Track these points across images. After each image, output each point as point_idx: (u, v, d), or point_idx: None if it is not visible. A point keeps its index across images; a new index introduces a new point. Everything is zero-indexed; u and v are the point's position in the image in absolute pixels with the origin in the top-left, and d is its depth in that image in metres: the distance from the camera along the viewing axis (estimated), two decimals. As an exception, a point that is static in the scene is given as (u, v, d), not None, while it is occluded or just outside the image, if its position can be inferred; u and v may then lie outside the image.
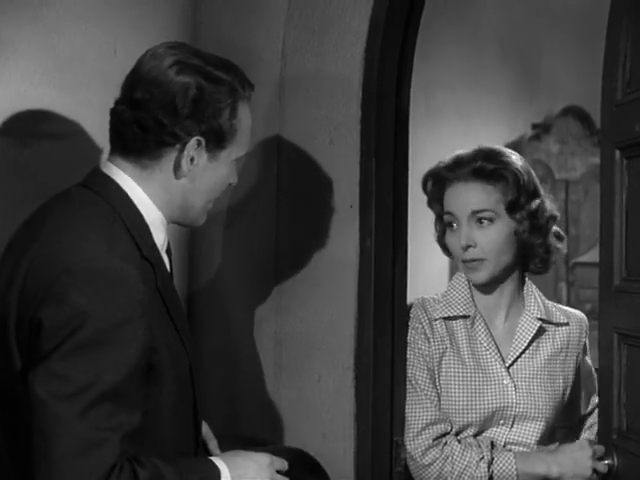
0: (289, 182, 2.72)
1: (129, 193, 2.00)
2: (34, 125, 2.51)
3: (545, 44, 5.52)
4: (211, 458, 2.01)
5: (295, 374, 2.68)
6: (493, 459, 2.45)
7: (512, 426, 2.54)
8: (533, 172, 2.61)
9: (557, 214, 2.64)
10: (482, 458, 2.45)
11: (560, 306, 2.73)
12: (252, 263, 2.78)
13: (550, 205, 2.61)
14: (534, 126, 5.51)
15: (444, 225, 2.60)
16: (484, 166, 2.52)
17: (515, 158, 2.58)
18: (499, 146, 2.64)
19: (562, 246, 2.66)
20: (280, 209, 2.72)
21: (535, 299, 2.63)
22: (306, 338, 2.66)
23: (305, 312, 2.66)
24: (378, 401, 2.55)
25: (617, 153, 2.39)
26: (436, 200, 2.60)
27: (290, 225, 2.71)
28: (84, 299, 1.81)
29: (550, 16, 5.53)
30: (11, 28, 2.48)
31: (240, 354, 2.80)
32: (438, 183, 2.59)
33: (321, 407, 2.64)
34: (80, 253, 1.86)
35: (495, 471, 2.45)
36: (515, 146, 2.73)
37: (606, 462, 2.40)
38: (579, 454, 2.46)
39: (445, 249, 2.66)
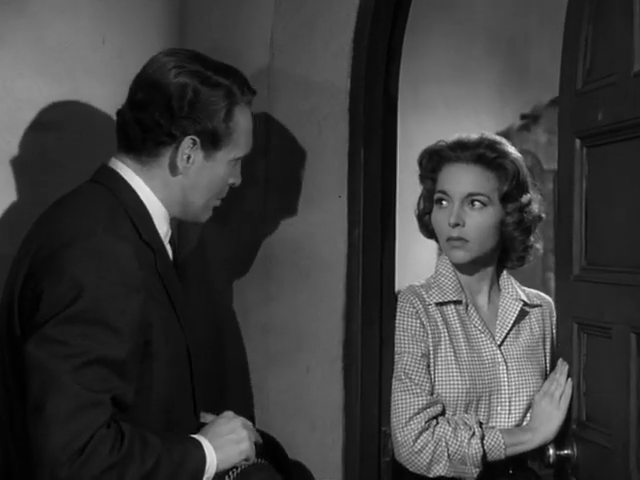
0: (278, 173, 2.72)
1: (133, 185, 2.12)
2: (21, 115, 2.51)
3: (533, 35, 5.53)
4: (190, 436, 2.09)
5: (284, 364, 2.68)
6: (484, 435, 2.48)
7: (510, 411, 2.57)
8: (527, 169, 2.67)
9: (544, 215, 2.70)
10: (473, 435, 2.47)
11: (532, 290, 2.79)
12: (241, 253, 2.78)
13: (539, 206, 2.67)
14: (522, 116, 5.52)
15: (431, 202, 2.64)
16: (487, 153, 2.58)
17: (515, 151, 2.65)
18: (501, 137, 2.69)
19: (540, 247, 2.71)
20: (269, 200, 2.72)
21: (512, 285, 2.70)
22: (295, 328, 2.66)
23: (294, 302, 2.66)
24: (366, 391, 2.55)
25: (577, 142, 2.40)
26: (429, 177, 2.65)
27: (279, 215, 2.71)
28: (80, 272, 1.91)
29: (538, 7, 5.53)
30: (-2, 17, 2.47)
31: (229, 344, 2.80)
32: (435, 160, 2.63)
33: (309, 398, 2.64)
34: (77, 230, 1.97)
35: (485, 446, 2.48)
36: (503, 137, 2.75)
37: (566, 452, 2.43)
38: (548, 408, 2.51)
39: (424, 227, 2.70)
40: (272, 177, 2.72)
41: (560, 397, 2.49)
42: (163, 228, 2.16)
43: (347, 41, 2.59)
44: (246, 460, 2.13)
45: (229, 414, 2.17)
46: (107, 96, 2.57)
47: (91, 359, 1.88)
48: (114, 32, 2.66)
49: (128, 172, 2.12)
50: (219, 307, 2.83)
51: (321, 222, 2.63)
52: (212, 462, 2.04)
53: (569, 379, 2.47)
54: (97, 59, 2.63)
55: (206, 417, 2.30)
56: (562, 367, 2.49)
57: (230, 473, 2.14)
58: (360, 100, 2.55)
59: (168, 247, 2.19)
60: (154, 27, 2.75)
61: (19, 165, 2.51)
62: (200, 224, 2.33)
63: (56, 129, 2.55)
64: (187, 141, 2.09)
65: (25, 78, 2.51)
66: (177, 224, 2.79)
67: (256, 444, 2.17)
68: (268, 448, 2.35)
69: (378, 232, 2.58)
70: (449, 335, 2.57)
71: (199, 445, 2.04)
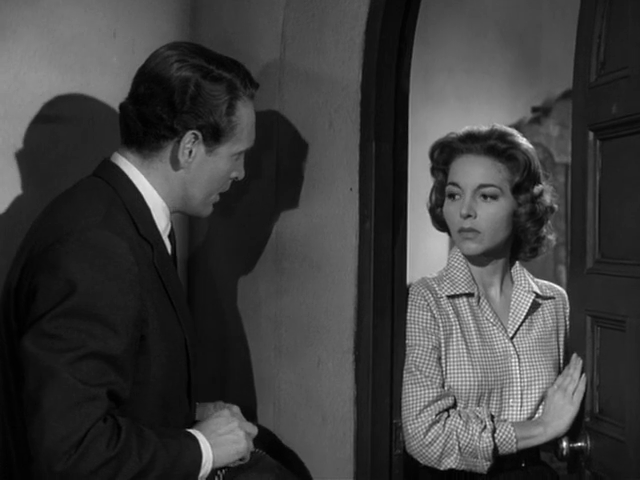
0: (288, 166, 2.71)
1: (132, 179, 2.11)
2: (32, 107, 2.51)
3: (544, 27, 5.52)
4: (186, 430, 2.09)
5: (295, 357, 2.69)
6: (495, 429, 2.48)
7: (522, 404, 2.57)
8: (539, 161, 2.67)
9: (556, 207, 2.70)
10: (484, 428, 2.47)
11: (544, 281, 2.79)
12: (252, 247, 2.78)
13: (550, 197, 2.67)
14: (534, 109, 5.50)
15: (443, 195, 2.65)
16: (498, 144, 2.58)
17: (527, 142, 2.65)
18: (512, 129, 2.70)
19: (553, 238, 2.71)
20: (280, 192, 2.72)
21: (524, 276, 2.70)
22: (306, 321, 2.66)
23: (305, 295, 2.66)
24: (378, 384, 2.55)
25: (591, 135, 2.40)
26: (440, 169, 2.66)
27: (289, 208, 2.71)
28: (75, 267, 1.91)
29: (549, -1, 5.52)
30: (10, 10, 2.47)
31: (240, 337, 2.80)
32: (446, 153, 2.64)
33: (320, 390, 2.64)
34: (74, 224, 1.97)
35: (496, 440, 2.48)
36: (515, 129, 2.75)
37: (579, 445, 2.42)
38: (561, 402, 2.51)
39: (436, 220, 2.72)
40: (282, 170, 2.72)
41: (573, 392, 2.48)
42: (162, 222, 2.15)
43: (358, 34, 2.58)
44: (241, 460, 2.15)
45: (226, 413, 2.16)
46: (118, 89, 2.57)
47: (87, 353, 1.88)
48: (125, 25, 2.66)
49: (129, 166, 2.12)
50: (230, 300, 2.83)
51: (332, 215, 2.62)
52: (208, 458, 2.04)
53: (583, 374, 2.47)
54: (108, 52, 2.64)
55: (207, 406, 2.30)
56: (576, 362, 2.48)
57: (219, 472, 2.14)
58: (372, 93, 2.55)
59: (167, 242, 2.19)
60: (165, 20, 2.75)
61: (30, 157, 2.51)
62: (204, 218, 2.32)
63: (67, 122, 2.56)
64: (189, 135, 2.09)
65: (37, 71, 2.52)
66: (188, 219, 2.80)
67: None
68: (263, 439, 2.37)
69: (389, 225, 2.58)
70: (461, 328, 2.58)
71: (196, 440, 2.04)
